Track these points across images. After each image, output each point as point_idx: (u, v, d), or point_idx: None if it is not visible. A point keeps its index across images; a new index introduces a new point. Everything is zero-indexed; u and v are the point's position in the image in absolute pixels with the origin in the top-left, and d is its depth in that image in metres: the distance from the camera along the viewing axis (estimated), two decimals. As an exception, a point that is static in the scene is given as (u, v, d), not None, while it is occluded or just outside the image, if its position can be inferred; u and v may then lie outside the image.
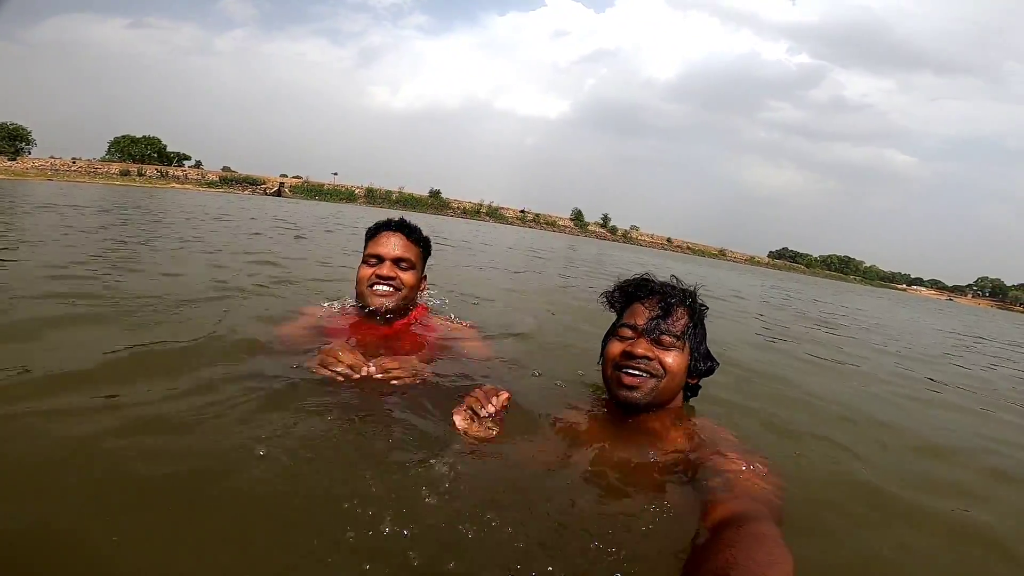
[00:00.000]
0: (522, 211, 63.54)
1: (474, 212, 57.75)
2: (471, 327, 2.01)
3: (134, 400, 1.26)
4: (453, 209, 56.82)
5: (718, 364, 1.35)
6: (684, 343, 1.26)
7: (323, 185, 53.00)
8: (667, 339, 1.25)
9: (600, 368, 1.34)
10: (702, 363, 1.31)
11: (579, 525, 0.98)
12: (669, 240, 76.16)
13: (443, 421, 1.24)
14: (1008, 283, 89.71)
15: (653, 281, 1.34)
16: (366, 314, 1.78)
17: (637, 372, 1.23)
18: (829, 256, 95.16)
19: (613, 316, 1.40)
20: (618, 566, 0.90)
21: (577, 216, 67.76)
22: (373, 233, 1.82)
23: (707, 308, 1.36)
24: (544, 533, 0.94)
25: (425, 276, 1.92)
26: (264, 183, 49.73)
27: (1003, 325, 17.00)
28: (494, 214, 58.89)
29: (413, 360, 1.48)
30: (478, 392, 1.26)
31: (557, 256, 12.08)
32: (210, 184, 44.46)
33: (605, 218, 70.62)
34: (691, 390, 1.36)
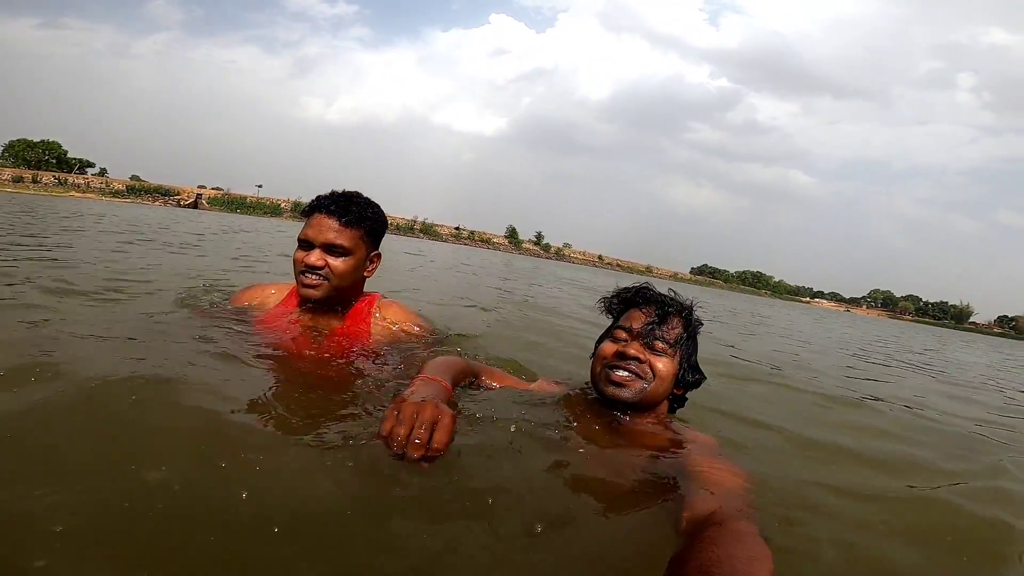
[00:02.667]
0: (457, 228, 63.45)
1: (408, 228, 56.91)
2: (424, 324, 1.88)
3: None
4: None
5: (705, 378, 1.38)
6: (676, 351, 1.29)
7: (246, 198, 50.29)
8: (660, 345, 1.27)
9: (591, 367, 1.36)
10: (690, 374, 1.34)
11: (560, 526, 0.97)
12: (600, 257, 78.72)
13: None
14: (897, 294, 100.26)
15: (652, 290, 1.37)
16: (308, 308, 1.69)
17: (627, 373, 1.26)
18: (744, 272, 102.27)
19: (604, 322, 1.41)
20: (602, 565, 0.90)
21: (512, 233, 68.55)
22: (307, 211, 1.67)
23: (702, 324, 1.39)
24: (524, 535, 0.93)
25: (377, 255, 1.76)
26: (178, 194, 46.49)
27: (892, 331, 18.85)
28: (428, 231, 58.34)
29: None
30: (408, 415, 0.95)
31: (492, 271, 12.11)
32: (115, 193, 41.03)
33: (539, 236, 71.95)
34: (677, 401, 1.38)
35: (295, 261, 1.64)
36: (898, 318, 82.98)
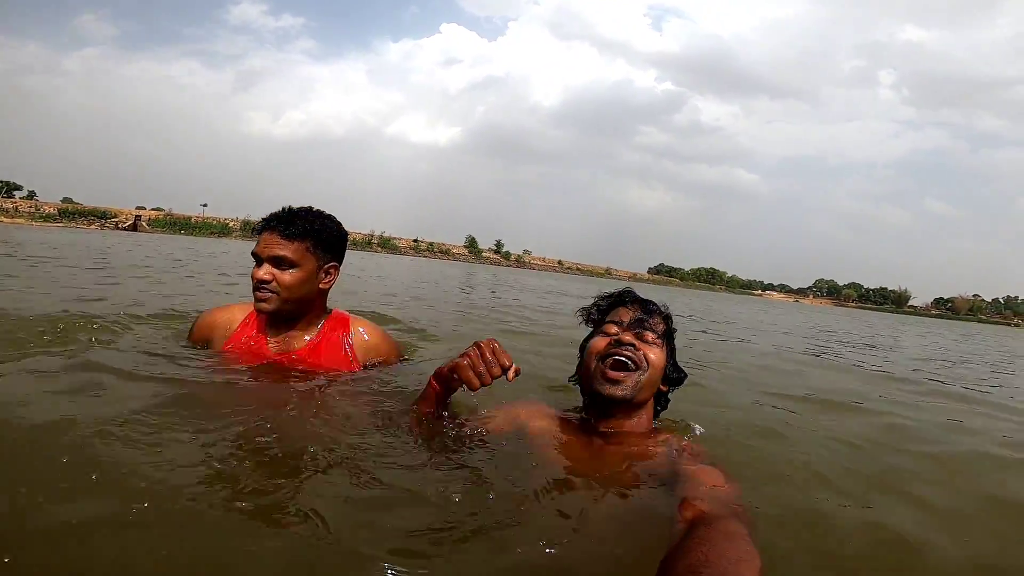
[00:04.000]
0: (415, 240, 62.69)
1: (365, 243, 55.75)
2: (392, 343, 1.96)
3: None
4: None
5: (687, 375, 1.45)
6: (663, 343, 1.37)
7: (190, 218, 48.01)
8: (650, 335, 1.34)
9: (581, 367, 1.40)
10: (675, 371, 1.42)
11: (554, 528, 1.02)
12: (560, 262, 79.41)
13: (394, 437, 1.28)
14: (840, 283, 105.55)
15: (634, 292, 1.46)
16: (269, 323, 1.77)
17: (623, 359, 1.29)
18: (699, 269, 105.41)
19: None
20: (594, 566, 0.94)
21: (471, 243, 68.30)
22: (258, 229, 1.72)
23: (675, 329, 1.47)
24: (518, 538, 0.97)
25: (334, 267, 1.77)
26: (116, 216, 43.97)
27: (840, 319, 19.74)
28: (386, 244, 57.29)
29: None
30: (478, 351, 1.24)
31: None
32: (47, 218, 38.33)
33: (498, 244, 71.98)
34: (661, 402, 1.44)
35: (251, 278, 1.69)
36: (843, 305, 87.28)
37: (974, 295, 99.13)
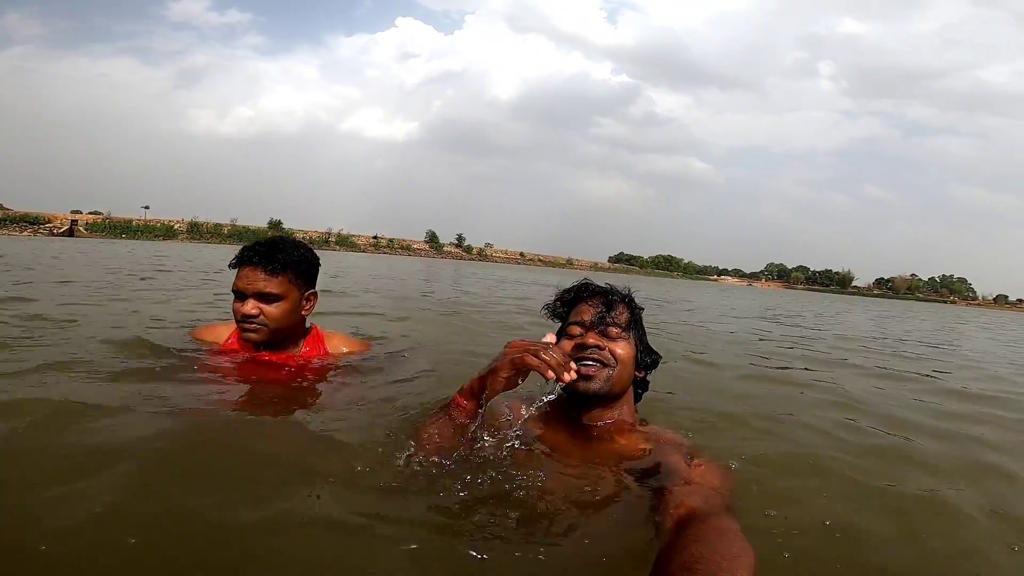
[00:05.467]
0: (375, 237, 61.60)
1: (322, 241, 54.37)
2: (367, 344, 2.09)
3: None
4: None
5: (660, 356, 1.44)
6: (630, 334, 1.35)
7: (131, 221, 45.61)
8: (614, 330, 1.32)
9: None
10: (647, 355, 1.40)
11: (544, 526, 1.01)
12: (522, 254, 79.77)
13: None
14: (789, 266, 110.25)
15: (593, 284, 1.43)
16: (255, 346, 1.79)
17: (590, 363, 1.28)
18: (657, 256, 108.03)
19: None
20: (587, 564, 0.94)
21: (432, 238, 67.68)
22: (235, 263, 1.74)
23: (643, 308, 1.45)
24: (507, 536, 0.96)
25: (313, 294, 1.84)
26: (50, 221, 41.28)
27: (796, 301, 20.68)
28: (345, 242, 56.11)
29: None
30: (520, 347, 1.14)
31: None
32: (-31, 227, 35.62)
33: (460, 238, 71.61)
34: (641, 385, 1.44)
35: (233, 312, 1.73)
36: (792, 288, 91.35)
37: (912, 275, 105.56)
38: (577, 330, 1.34)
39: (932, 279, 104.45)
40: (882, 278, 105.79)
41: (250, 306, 1.69)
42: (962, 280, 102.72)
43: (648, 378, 1.45)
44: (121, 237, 37.56)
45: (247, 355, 1.80)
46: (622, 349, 1.31)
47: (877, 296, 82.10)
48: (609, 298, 1.37)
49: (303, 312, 1.81)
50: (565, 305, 1.42)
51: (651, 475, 1.13)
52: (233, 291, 1.72)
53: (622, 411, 1.35)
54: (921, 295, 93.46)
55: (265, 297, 1.69)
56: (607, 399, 1.32)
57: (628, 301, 1.40)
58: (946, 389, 3.29)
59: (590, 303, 1.37)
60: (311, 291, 1.83)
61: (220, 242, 43.58)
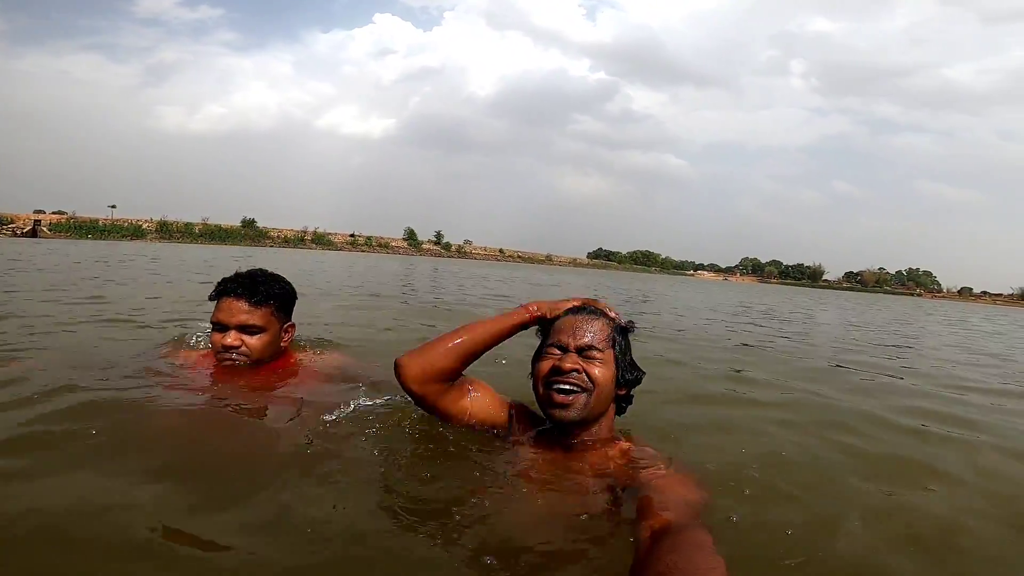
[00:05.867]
0: (352, 235, 60.80)
1: (298, 240, 53.43)
2: (340, 356, 2.07)
3: None
4: (272, 239, 51.67)
5: (644, 373, 1.43)
6: (609, 354, 1.34)
7: (97, 221, 44.13)
8: (592, 352, 1.32)
9: (533, 388, 1.39)
10: (628, 373, 1.39)
11: (522, 542, 1.04)
12: (502, 251, 79.65)
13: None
14: (763, 260, 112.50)
15: (577, 306, 1.44)
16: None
17: (568, 387, 1.29)
18: (635, 252, 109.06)
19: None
20: None
21: (410, 235, 67.09)
22: (216, 295, 1.75)
23: (634, 325, 1.45)
24: (489, 552, 0.98)
25: (291, 326, 1.87)
26: (12, 221, 39.67)
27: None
28: (321, 240, 55.19)
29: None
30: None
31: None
32: (-76, 228, 34.02)
33: (439, 235, 71.12)
34: (624, 401, 1.43)
35: (212, 343, 1.74)
36: (766, 282, 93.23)
37: (880, 268, 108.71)
38: (555, 351, 1.34)
39: (899, 272, 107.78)
40: (851, 272, 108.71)
41: (232, 338, 1.70)
42: (928, 273, 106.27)
43: (632, 393, 1.43)
44: (87, 237, 36.32)
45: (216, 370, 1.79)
46: (599, 371, 1.30)
47: (847, 289, 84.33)
48: (588, 318, 1.37)
49: (282, 343, 1.83)
50: (550, 321, 1.42)
51: (627, 488, 1.16)
52: (213, 323, 1.73)
53: (600, 427, 1.36)
54: (889, 288, 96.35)
55: (247, 329, 1.71)
56: (585, 421, 1.32)
57: (610, 320, 1.40)
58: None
59: (570, 323, 1.36)
60: (290, 323, 1.86)
61: (192, 241, 42.53)
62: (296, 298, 1.89)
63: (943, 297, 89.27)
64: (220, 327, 1.71)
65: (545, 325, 1.43)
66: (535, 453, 1.34)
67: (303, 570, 0.92)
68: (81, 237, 36.28)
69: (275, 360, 1.83)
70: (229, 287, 1.73)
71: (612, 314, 1.42)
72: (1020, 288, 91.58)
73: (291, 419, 1.50)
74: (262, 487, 1.16)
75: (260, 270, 1.82)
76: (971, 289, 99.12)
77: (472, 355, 1.39)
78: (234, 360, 1.71)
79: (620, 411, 1.43)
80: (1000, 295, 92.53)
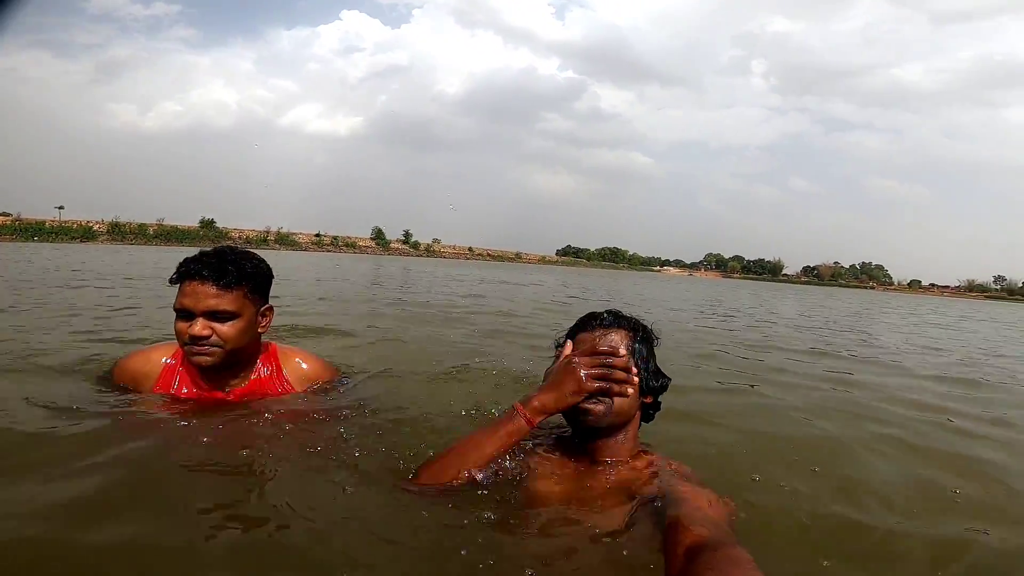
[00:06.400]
0: (317, 235, 59.55)
1: (260, 241, 51.99)
2: (329, 368, 1.89)
3: None
4: (233, 239, 50.13)
5: (670, 380, 1.39)
6: (633, 362, 1.30)
7: (44, 222, 41.88)
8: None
9: None
10: (653, 380, 1.35)
11: (543, 557, 1.02)
12: (471, 249, 79.45)
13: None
14: (726, 256, 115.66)
15: (600, 313, 1.39)
16: (202, 369, 1.59)
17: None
18: (603, 248, 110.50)
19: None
20: None
21: (378, 235, 66.19)
22: (177, 278, 1.52)
23: (658, 337, 1.42)
24: (506, 567, 0.96)
25: (269, 309, 1.67)
26: (-53, 225, 37.21)
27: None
28: (285, 240, 53.90)
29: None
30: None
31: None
32: None
33: (407, 234, 70.40)
34: (652, 408, 1.39)
35: (177, 333, 1.52)
36: (729, 277, 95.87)
37: (835, 262, 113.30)
38: None
39: (853, 266, 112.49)
40: (809, 266, 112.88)
41: (200, 326, 1.48)
42: (880, 267, 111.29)
43: (659, 400, 1.40)
44: (33, 240, 34.42)
45: (183, 393, 1.62)
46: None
47: (804, 283, 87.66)
48: (610, 327, 1.34)
49: (259, 329, 1.63)
50: (570, 331, 1.39)
51: (655, 503, 1.12)
52: (176, 310, 1.51)
53: (625, 437, 1.32)
54: (844, 281, 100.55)
55: (217, 315, 1.50)
56: (609, 430, 1.29)
57: (631, 327, 1.36)
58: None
59: (589, 338, 1.33)
60: (267, 306, 1.65)
61: (145, 243, 40.81)
62: (272, 277, 1.68)
63: (894, 290, 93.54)
64: (185, 314, 1.50)
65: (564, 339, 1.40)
66: (555, 465, 1.31)
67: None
68: (27, 240, 34.35)
69: (252, 352, 1.66)
70: (193, 268, 1.51)
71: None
72: (967, 280, 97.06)
73: (288, 427, 1.44)
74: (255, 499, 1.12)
75: (228, 247, 1.62)
76: (920, 282, 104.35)
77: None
78: (206, 353, 1.51)
79: (647, 418, 1.41)
80: (947, 287, 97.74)
